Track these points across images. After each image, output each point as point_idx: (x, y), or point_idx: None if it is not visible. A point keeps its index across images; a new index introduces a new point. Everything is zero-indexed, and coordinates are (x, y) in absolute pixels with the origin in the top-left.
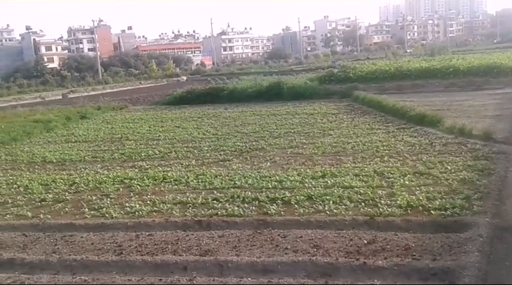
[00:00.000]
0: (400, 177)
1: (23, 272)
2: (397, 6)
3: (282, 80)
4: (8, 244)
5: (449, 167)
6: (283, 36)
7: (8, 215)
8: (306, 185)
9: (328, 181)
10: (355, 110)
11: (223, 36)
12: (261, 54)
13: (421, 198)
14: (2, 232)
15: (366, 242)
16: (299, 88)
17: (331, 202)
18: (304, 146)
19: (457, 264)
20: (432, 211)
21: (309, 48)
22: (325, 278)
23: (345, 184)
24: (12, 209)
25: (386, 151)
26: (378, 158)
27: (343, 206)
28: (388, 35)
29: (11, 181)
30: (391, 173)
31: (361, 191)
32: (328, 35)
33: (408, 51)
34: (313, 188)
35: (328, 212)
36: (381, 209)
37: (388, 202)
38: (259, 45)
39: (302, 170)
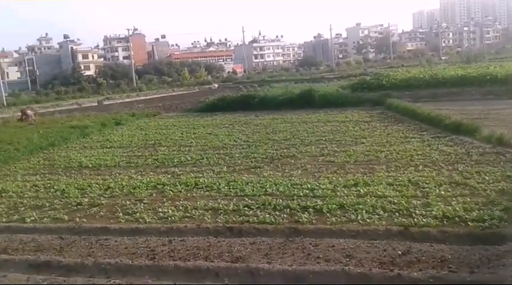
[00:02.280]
0: (435, 187)
1: (59, 274)
2: (431, 12)
3: (313, 88)
4: (45, 247)
5: (487, 178)
6: (315, 44)
7: (45, 219)
8: (338, 193)
9: (361, 190)
10: (389, 118)
11: (254, 44)
12: (292, 61)
13: (457, 209)
14: (40, 234)
15: (400, 253)
16: (331, 96)
17: (364, 211)
18: (336, 154)
19: (495, 278)
20: (469, 222)
21: (340, 56)
22: None
23: (378, 193)
24: (49, 212)
25: (421, 160)
26: (413, 168)
27: (377, 216)
28: (422, 42)
29: (49, 185)
30: (426, 183)
31: (395, 200)
32: (361, 42)
33: (443, 58)
34: (346, 197)
35: (361, 221)
36: (415, 220)
37: (423, 212)
38: (290, 53)
39: (334, 178)
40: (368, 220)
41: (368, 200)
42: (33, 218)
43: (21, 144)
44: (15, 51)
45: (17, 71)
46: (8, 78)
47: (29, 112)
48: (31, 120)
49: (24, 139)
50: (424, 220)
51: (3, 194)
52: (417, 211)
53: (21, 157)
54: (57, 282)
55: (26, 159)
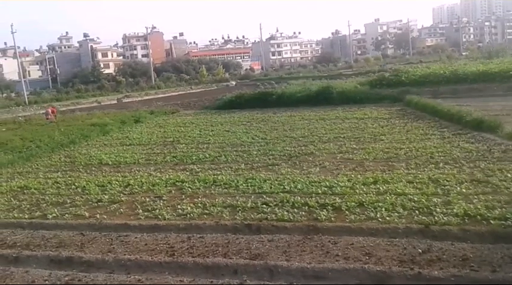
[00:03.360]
0: (456, 185)
1: (80, 270)
2: (451, 7)
3: (331, 84)
4: (66, 243)
5: (509, 175)
6: (333, 40)
7: (66, 215)
8: (357, 191)
9: (380, 188)
10: (408, 115)
11: (272, 41)
12: (309, 58)
13: (479, 207)
14: (61, 230)
15: (420, 251)
16: (349, 93)
17: (383, 209)
18: (355, 152)
19: None
20: (491, 221)
21: (358, 52)
22: None
23: (398, 190)
24: (70, 209)
25: (442, 158)
26: (433, 165)
27: (396, 214)
28: (442, 38)
29: (70, 181)
30: (446, 181)
31: (415, 198)
32: (379, 38)
33: (464, 54)
34: (365, 195)
35: (380, 219)
36: (436, 218)
37: (444, 210)
38: (308, 50)
39: (353, 176)
40: (387, 218)
41: (387, 197)
42: (54, 214)
43: (43, 142)
44: (36, 50)
45: (38, 70)
46: (29, 76)
47: (48, 109)
48: (51, 118)
49: (46, 136)
50: (445, 218)
51: (25, 191)
52: (438, 209)
53: (43, 155)
54: (78, 277)
55: (47, 156)
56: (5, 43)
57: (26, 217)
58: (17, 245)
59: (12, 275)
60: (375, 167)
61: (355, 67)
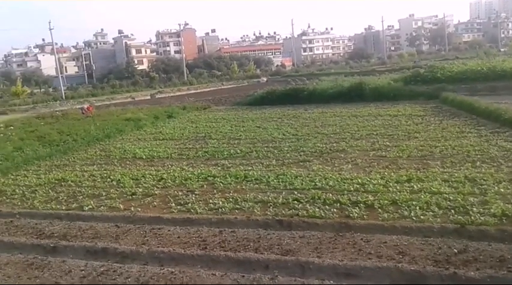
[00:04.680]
0: (494, 184)
1: (115, 261)
2: (489, 2)
3: (363, 80)
4: (102, 234)
5: None
6: (366, 36)
7: (102, 207)
8: (390, 189)
9: (414, 186)
10: (444, 112)
11: (303, 37)
12: (341, 54)
13: None
14: (97, 222)
15: (456, 251)
16: (382, 89)
17: (417, 207)
18: (388, 149)
19: None
20: None
21: (392, 48)
22: None
23: (433, 189)
24: (106, 201)
25: (479, 156)
26: (469, 164)
27: (431, 213)
28: (479, 33)
29: (105, 175)
30: (484, 180)
31: (451, 197)
32: (414, 34)
33: (502, 50)
34: (398, 193)
35: (414, 218)
36: (472, 218)
37: (481, 210)
38: (340, 45)
39: (386, 173)
40: (422, 217)
41: (422, 196)
42: (90, 206)
43: (79, 136)
44: (73, 47)
45: (74, 66)
46: (66, 72)
47: (84, 106)
48: (87, 113)
49: (82, 130)
50: (481, 218)
51: (63, 183)
52: (474, 209)
53: (79, 148)
54: (114, 268)
55: (83, 150)
56: (43, 39)
57: (63, 208)
58: (55, 235)
59: (49, 265)
60: (408, 165)
61: (389, 63)
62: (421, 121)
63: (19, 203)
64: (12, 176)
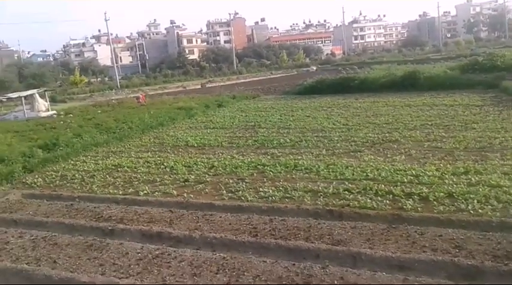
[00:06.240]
0: None
1: (169, 245)
2: None
3: (418, 69)
4: (156, 219)
5: None
6: (420, 23)
7: (156, 193)
8: (446, 181)
9: (472, 179)
10: (504, 102)
11: (354, 25)
12: (394, 42)
13: None
14: (152, 207)
15: None
16: (437, 78)
17: (475, 201)
18: (444, 140)
19: None
20: None
21: (448, 35)
22: (468, 280)
23: (492, 182)
24: (160, 187)
25: None
26: None
27: (490, 207)
28: None
29: (159, 161)
30: None
31: (511, 191)
32: (472, 20)
33: None
34: (455, 185)
35: (471, 211)
36: None
37: None
38: (393, 33)
39: (441, 165)
40: (480, 211)
41: (480, 189)
42: (145, 191)
43: (134, 123)
44: (127, 37)
45: (128, 56)
46: (121, 62)
47: (139, 94)
48: (141, 101)
49: (137, 118)
50: None
51: (119, 169)
52: None
53: (134, 135)
54: (168, 252)
55: (138, 137)
56: (99, 30)
57: (120, 193)
58: (112, 218)
59: (108, 247)
60: (466, 157)
61: (444, 51)
62: (479, 112)
63: (78, 187)
64: (72, 162)
